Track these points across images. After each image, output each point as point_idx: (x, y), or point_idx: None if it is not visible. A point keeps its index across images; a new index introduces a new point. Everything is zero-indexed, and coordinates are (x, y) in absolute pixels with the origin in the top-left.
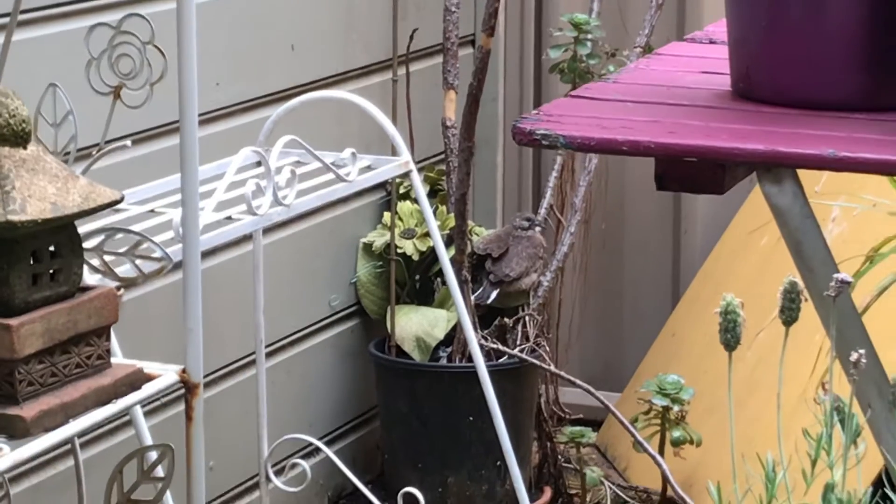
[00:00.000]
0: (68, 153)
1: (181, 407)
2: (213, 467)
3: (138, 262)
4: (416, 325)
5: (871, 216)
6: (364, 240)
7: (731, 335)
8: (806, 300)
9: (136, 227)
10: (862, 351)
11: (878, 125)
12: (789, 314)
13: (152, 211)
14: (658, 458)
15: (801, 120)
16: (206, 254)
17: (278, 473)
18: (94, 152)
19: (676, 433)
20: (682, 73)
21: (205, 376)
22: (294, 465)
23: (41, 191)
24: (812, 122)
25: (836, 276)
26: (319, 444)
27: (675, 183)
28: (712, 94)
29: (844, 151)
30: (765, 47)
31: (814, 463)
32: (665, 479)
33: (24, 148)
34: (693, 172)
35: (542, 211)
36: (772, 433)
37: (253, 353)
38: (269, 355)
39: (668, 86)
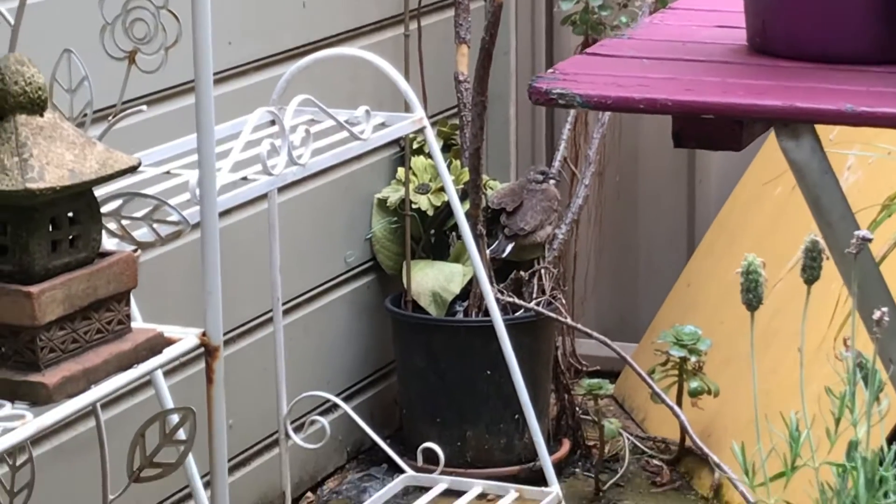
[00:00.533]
0: (85, 117)
1: (200, 366)
2: (232, 425)
3: (156, 225)
4: (432, 280)
5: (887, 164)
6: (378, 195)
7: (752, 295)
8: (827, 258)
9: (152, 189)
10: (885, 309)
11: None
12: (811, 273)
13: (168, 172)
14: (676, 409)
15: (817, 74)
16: (222, 214)
17: (297, 430)
18: (109, 115)
19: (694, 384)
20: (697, 27)
21: (223, 335)
22: (313, 422)
23: (59, 158)
24: (829, 76)
25: (857, 232)
26: (338, 400)
27: (692, 140)
28: (728, 49)
29: (863, 106)
30: (780, 1)
31: (837, 421)
32: (683, 430)
33: (41, 115)
34: (710, 129)
35: (556, 164)
36: (790, 385)
37: (270, 311)
38: (285, 313)
39: (683, 41)
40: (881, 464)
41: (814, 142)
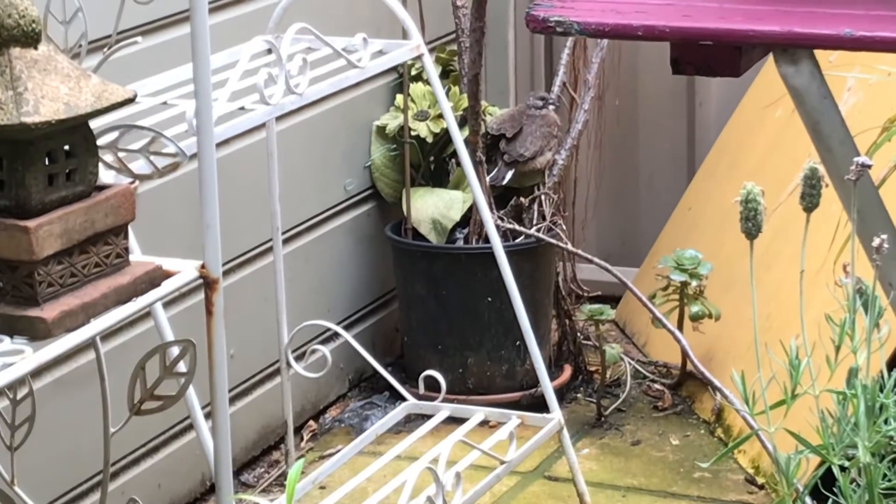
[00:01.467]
0: (80, 48)
1: (200, 297)
2: (233, 355)
3: (153, 157)
4: (432, 208)
5: (887, 86)
6: (377, 123)
7: (752, 223)
8: (826, 185)
9: (148, 121)
10: (884, 236)
11: (894, 2)
12: (810, 200)
13: (164, 103)
14: (677, 333)
15: None
16: (219, 144)
17: (298, 359)
18: (104, 47)
19: (695, 308)
20: None
21: (222, 266)
22: (314, 351)
23: (54, 91)
24: (827, 0)
25: (856, 159)
26: (338, 328)
27: (690, 66)
28: None
29: (861, 31)
30: None
31: (837, 348)
32: (684, 354)
33: (35, 48)
34: (709, 55)
35: (556, 89)
36: (790, 307)
37: (269, 240)
38: (285, 242)
39: None
40: (881, 390)
41: (813, 67)
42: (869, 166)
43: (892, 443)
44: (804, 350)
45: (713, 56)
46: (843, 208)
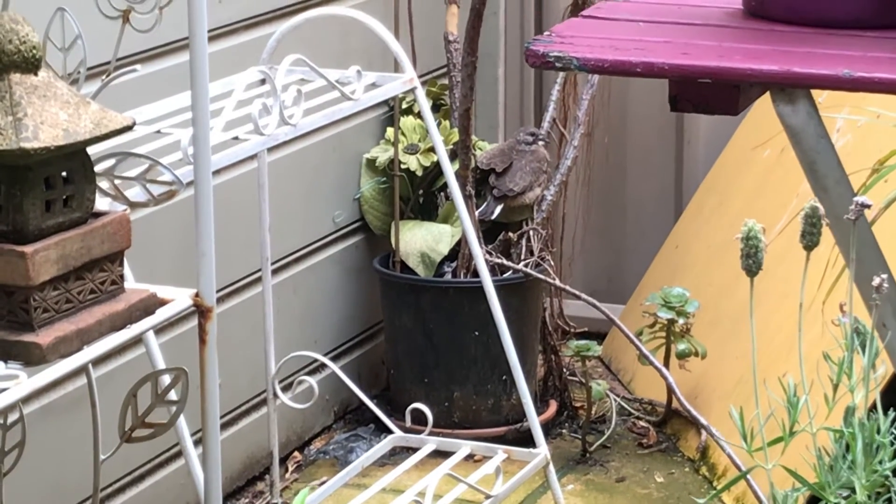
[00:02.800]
0: (78, 75)
1: (189, 325)
2: (220, 384)
3: (149, 185)
4: (421, 241)
5: (876, 128)
6: (367, 155)
7: (752, 261)
8: (827, 224)
9: (143, 148)
10: (884, 276)
11: (892, 43)
12: (810, 239)
13: (158, 132)
14: (664, 370)
15: (814, 39)
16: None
17: (285, 390)
18: (102, 74)
19: (681, 346)
20: None
21: None
22: (301, 382)
23: (53, 117)
24: (825, 40)
25: (855, 199)
26: (325, 360)
27: (688, 104)
28: (724, 13)
29: (860, 71)
30: None
31: (835, 387)
32: (670, 392)
33: (36, 74)
34: (707, 94)
35: (545, 125)
36: (778, 346)
37: (258, 270)
38: (274, 272)
39: (679, 4)
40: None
41: (810, 107)
42: (868, 206)
43: (887, 482)
44: (802, 388)
45: (711, 94)
46: (837, 247)
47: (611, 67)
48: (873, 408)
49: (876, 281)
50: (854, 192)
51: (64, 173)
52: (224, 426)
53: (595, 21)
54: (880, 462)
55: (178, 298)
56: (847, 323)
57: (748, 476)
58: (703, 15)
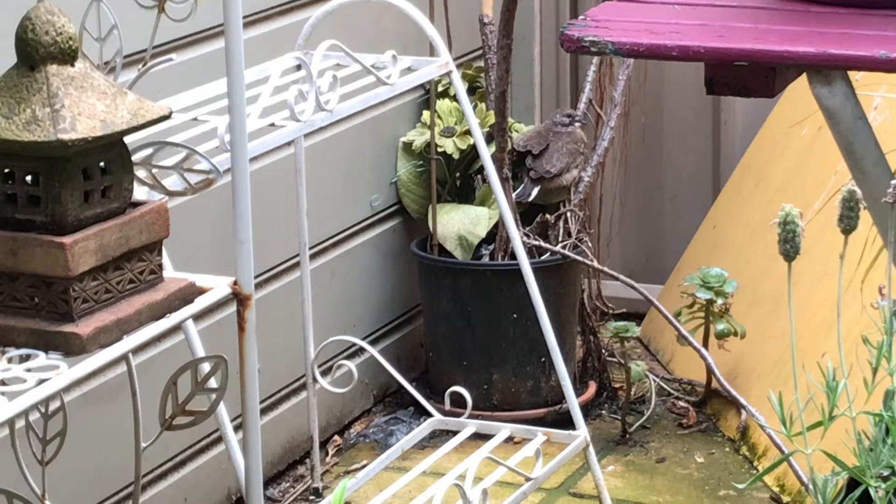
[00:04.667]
0: (115, 65)
1: (228, 311)
2: (260, 370)
3: (186, 174)
4: (458, 224)
5: None
6: (404, 139)
7: (790, 245)
8: (864, 208)
9: (179, 136)
10: None
11: None
12: (848, 223)
13: (195, 119)
14: (703, 351)
15: (850, 19)
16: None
17: (324, 374)
18: (138, 63)
19: (720, 326)
20: None
21: None
22: (340, 366)
23: (90, 108)
24: (862, 21)
25: (893, 181)
26: (364, 344)
27: (725, 87)
28: None
29: None
30: None
31: (874, 370)
32: (710, 372)
33: (72, 65)
34: (743, 76)
35: (582, 106)
36: (816, 325)
37: (296, 255)
38: (312, 257)
39: None
40: None
41: (847, 88)
42: None
43: None
44: (841, 371)
45: (747, 77)
46: (876, 228)
47: (646, 51)
48: None
49: None
50: (892, 173)
51: (102, 164)
52: (264, 411)
53: (630, 4)
54: None
55: (217, 287)
56: (886, 306)
57: (792, 461)
58: None
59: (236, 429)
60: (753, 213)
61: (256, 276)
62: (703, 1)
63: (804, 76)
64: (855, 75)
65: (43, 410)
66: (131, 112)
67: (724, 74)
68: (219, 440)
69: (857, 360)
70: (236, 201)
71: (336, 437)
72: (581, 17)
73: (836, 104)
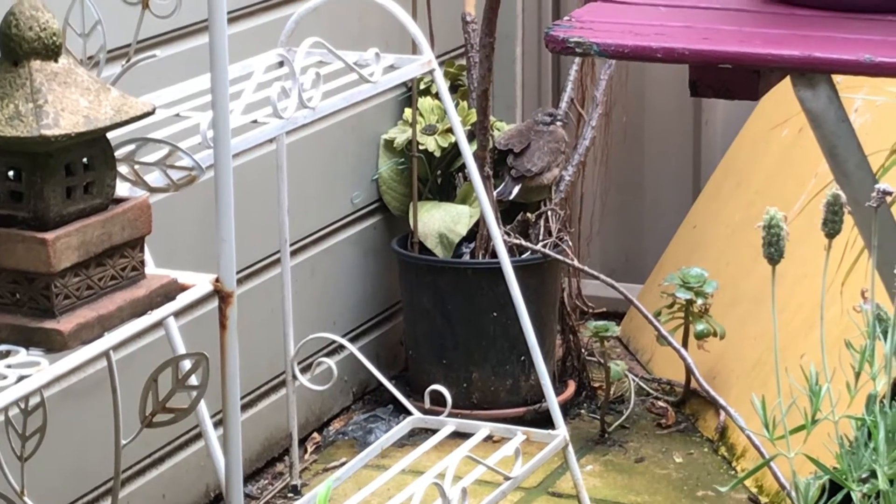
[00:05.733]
0: (98, 61)
1: (208, 307)
2: (240, 367)
3: (169, 171)
4: (439, 222)
5: (894, 108)
6: (385, 136)
7: (774, 249)
8: (848, 212)
9: (162, 132)
10: None
11: None
12: (832, 227)
13: (177, 115)
14: (682, 351)
15: (834, 23)
16: None
17: (304, 371)
18: (122, 58)
19: (700, 326)
20: None
21: None
22: (319, 363)
23: (73, 104)
24: (846, 24)
25: (877, 186)
26: (344, 341)
27: (709, 89)
28: None
29: (881, 56)
30: None
31: (857, 375)
32: (689, 372)
33: (56, 61)
34: (727, 79)
35: (563, 105)
36: (797, 325)
37: (277, 251)
38: (292, 254)
39: None
40: None
41: (830, 91)
42: (890, 193)
43: None
44: (823, 375)
45: (732, 79)
46: (857, 230)
47: (631, 53)
48: (894, 395)
49: None
50: (874, 176)
51: (84, 160)
52: (243, 408)
53: (615, 5)
54: None
55: (199, 284)
56: (868, 310)
57: (773, 466)
58: None
59: (216, 425)
60: (734, 214)
61: (237, 273)
62: (687, 3)
63: (787, 78)
64: (837, 77)
65: (23, 406)
66: (114, 108)
67: (709, 77)
68: (198, 436)
69: (839, 365)
70: (219, 199)
71: (315, 435)
72: (566, 18)
73: (819, 107)
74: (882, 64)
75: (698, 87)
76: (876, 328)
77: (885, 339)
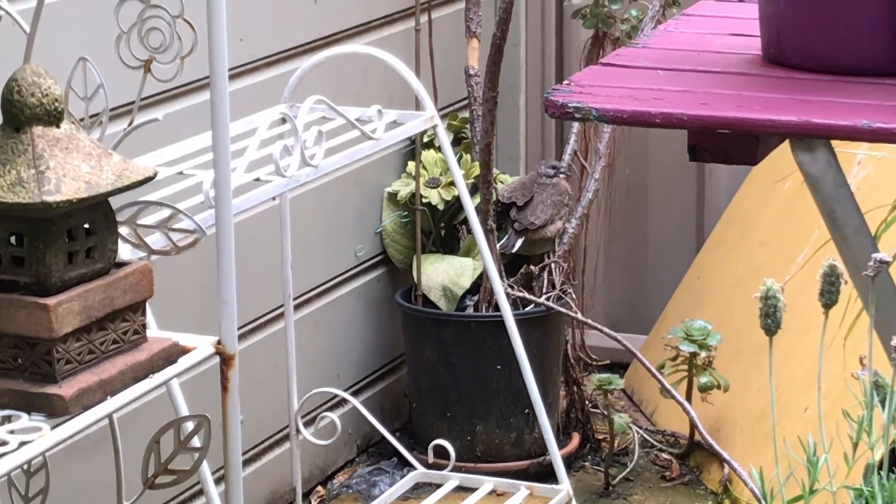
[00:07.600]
0: (101, 122)
1: (211, 363)
2: (243, 421)
3: (171, 233)
4: (443, 275)
5: None
6: (389, 189)
7: (771, 320)
8: (846, 282)
9: (164, 191)
10: None
11: None
12: (829, 297)
13: (180, 173)
14: (686, 404)
15: (832, 87)
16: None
17: (308, 425)
18: (124, 116)
19: (704, 379)
20: (711, 35)
21: None
22: (323, 417)
23: (75, 170)
24: (844, 88)
25: (875, 255)
26: (348, 396)
27: (707, 154)
28: (743, 60)
29: (878, 122)
30: (793, 11)
31: (855, 445)
32: (693, 425)
33: (58, 127)
34: (726, 143)
35: (567, 157)
36: (800, 378)
37: (281, 306)
38: (296, 307)
39: (697, 51)
40: None
41: (829, 155)
42: (888, 263)
43: None
44: (821, 447)
45: (730, 144)
46: (858, 296)
47: (630, 118)
48: (893, 463)
49: (894, 341)
50: (873, 240)
51: (86, 225)
52: (247, 462)
53: (614, 69)
54: None
55: (201, 346)
56: (867, 377)
57: None
58: (722, 62)
59: (218, 481)
60: (738, 265)
61: (240, 328)
62: (686, 66)
63: None
64: None
65: (25, 467)
66: (116, 173)
67: (707, 141)
68: (200, 493)
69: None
70: (220, 260)
71: (319, 488)
72: (565, 83)
73: (818, 171)
74: (879, 130)
75: (697, 151)
76: (874, 397)
77: (883, 407)
